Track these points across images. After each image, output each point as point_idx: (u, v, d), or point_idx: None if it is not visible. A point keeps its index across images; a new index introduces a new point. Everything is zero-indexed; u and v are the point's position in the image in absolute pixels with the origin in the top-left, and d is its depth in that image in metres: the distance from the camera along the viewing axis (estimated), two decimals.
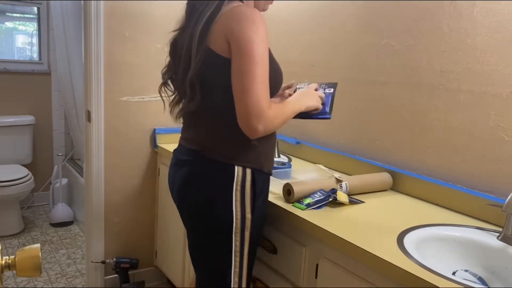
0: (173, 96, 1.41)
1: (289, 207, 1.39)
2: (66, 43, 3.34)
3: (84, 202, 2.53)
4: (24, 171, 3.17)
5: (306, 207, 1.37)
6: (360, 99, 1.84)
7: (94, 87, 2.14)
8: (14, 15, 3.61)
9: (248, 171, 1.29)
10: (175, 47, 1.37)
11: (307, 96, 1.41)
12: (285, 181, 1.47)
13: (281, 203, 1.41)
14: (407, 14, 1.64)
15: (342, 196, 1.42)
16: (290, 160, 2.06)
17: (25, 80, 3.47)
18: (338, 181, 1.52)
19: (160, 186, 2.36)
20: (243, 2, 1.28)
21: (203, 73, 1.24)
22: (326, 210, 1.38)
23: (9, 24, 3.63)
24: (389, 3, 1.70)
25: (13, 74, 3.41)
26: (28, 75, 3.48)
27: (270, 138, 1.35)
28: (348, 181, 1.54)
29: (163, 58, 2.26)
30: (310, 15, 2.09)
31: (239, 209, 1.28)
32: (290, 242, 1.40)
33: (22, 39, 3.69)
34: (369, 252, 1.08)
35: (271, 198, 1.46)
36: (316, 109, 1.42)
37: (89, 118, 2.19)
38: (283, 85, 1.47)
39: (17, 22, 3.66)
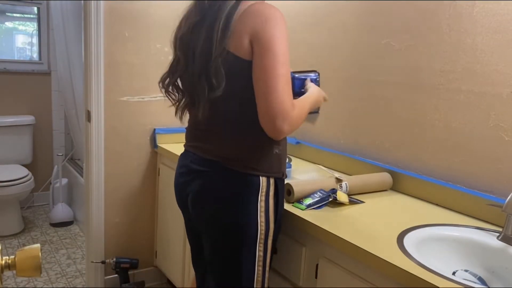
0: (181, 98, 1.35)
1: (289, 207, 1.39)
2: (66, 43, 3.34)
3: (84, 202, 2.53)
4: (24, 171, 3.17)
5: (306, 207, 1.37)
6: (360, 99, 1.84)
7: (94, 87, 2.14)
8: (14, 15, 3.61)
9: (272, 180, 1.27)
10: (186, 45, 1.28)
11: (319, 96, 1.39)
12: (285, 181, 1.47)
13: None
14: (407, 14, 1.64)
15: (342, 196, 1.42)
16: (290, 160, 2.06)
17: (25, 80, 3.47)
18: (338, 181, 1.52)
19: (160, 186, 2.36)
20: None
21: (222, 74, 1.19)
22: (326, 210, 1.38)
23: (9, 24, 3.63)
24: (389, 3, 1.70)
25: (13, 74, 3.41)
26: (28, 75, 3.48)
27: (285, 143, 1.34)
28: (348, 181, 1.54)
29: (163, 58, 2.28)
30: (310, 15, 2.09)
31: (263, 219, 1.25)
32: (290, 242, 1.40)
33: (22, 39, 3.69)
34: (369, 252, 1.08)
35: None
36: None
37: (89, 118, 2.19)
38: None
39: (17, 22, 3.66)
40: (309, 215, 1.32)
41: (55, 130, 3.66)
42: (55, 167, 3.45)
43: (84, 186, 2.38)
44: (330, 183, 1.50)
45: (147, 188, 2.39)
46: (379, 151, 1.77)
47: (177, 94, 1.36)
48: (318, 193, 1.43)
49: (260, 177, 1.24)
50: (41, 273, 0.69)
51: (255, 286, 1.30)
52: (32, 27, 3.63)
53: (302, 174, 1.77)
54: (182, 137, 2.33)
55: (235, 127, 1.25)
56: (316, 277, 1.29)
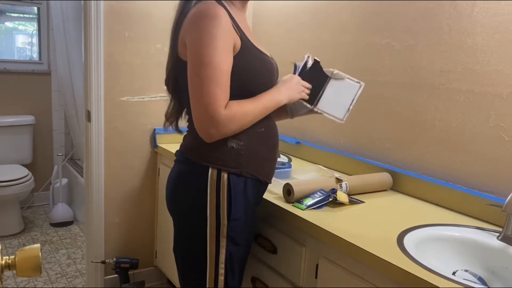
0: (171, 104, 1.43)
1: (289, 207, 1.39)
2: (66, 43, 3.34)
3: (84, 202, 2.53)
4: (24, 171, 3.17)
5: (306, 207, 1.37)
6: (360, 99, 1.84)
7: (94, 87, 2.14)
8: (14, 15, 3.61)
9: (224, 174, 1.23)
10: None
11: (287, 88, 1.32)
12: (285, 181, 1.47)
13: (281, 203, 1.41)
14: (407, 14, 1.64)
15: (342, 196, 1.42)
16: (290, 160, 2.06)
17: (25, 80, 3.47)
18: (338, 181, 1.52)
19: (160, 186, 2.36)
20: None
21: (176, 79, 1.29)
22: (326, 210, 1.38)
23: (9, 24, 3.63)
24: (389, 3, 1.70)
25: (13, 74, 3.41)
26: (28, 75, 3.48)
27: (260, 141, 1.28)
28: (348, 181, 1.54)
29: (163, 58, 2.27)
30: (310, 15, 2.09)
31: (214, 213, 1.23)
32: (290, 242, 1.40)
33: (22, 39, 3.69)
34: (369, 252, 1.08)
35: (271, 198, 1.46)
36: (303, 99, 1.37)
37: (89, 118, 2.19)
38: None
39: (17, 22, 3.66)
40: (309, 215, 1.32)
41: (55, 130, 3.66)
42: (55, 167, 3.45)
43: (84, 186, 2.38)
44: (330, 183, 1.50)
45: (147, 188, 2.39)
46: (379, 151, 1.77)
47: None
48: (318, 193, 1.43)
49: (210, 168, 1.23)
50: (41, 273, 0.69)
51: (207, 286, 1.27)
52: (32, 27, 3.63)
53: (302, 174, 1.77)
54: (182, 137, 2.34)
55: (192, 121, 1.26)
56: (316, 277, 1.29)
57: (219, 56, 1.13)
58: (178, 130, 1.42)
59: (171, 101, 1.40)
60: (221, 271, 1.27)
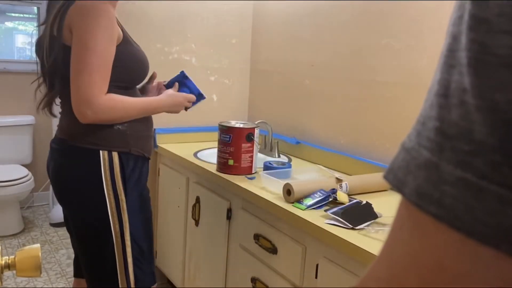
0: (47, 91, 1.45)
1: (289, 207, 1.39)
2: None
3: None
4: (24, 171, 3.17)
5: (306, 207, 1.37)
6: (360, 99, 1.84)
7: None
8: (14, 15, 3.61)
9: (115, 154, 1.34)
10: (40, 45, 1.40)
11: (172, 104, 1.48)
12: (285, 181, 1.47)
13: (281, 203, 1.41)
14: (407, 14, 1.64)
15: (342, 196, 1.42)
16: (290, 160, 2.06)
17: (25, 80, 3.47)
18: (338, 181, 1.52)
19: (160, 186, 2.35)
20: None
21: (58, 64, 1.31)
22: None
23: (9, 24, 3.63)
24: (389, 3, 1.70)
25: (13, 74, 3.41)
26: (28, 75, 3.48)
27: (141, 121, 1.41)
28: (348, 181, 1.54)
29: (163, 58, 2.28)
30: (310, 15, 2.09)
31: (111, 192, 1.33)
32: (290, 242, 1.40)
33: (22, 39, 3.69)
34: (369, 252, 1.08)
35: (271, 198, 1.46)
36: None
37: None
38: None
39: (17, 22, 3.66)
40: (309, 215, 1.32)
41: (55, 130, 3.66)
42: None
43: None
44: (330, 183, 1.50)
45: None
46: (379, 151, 1.77)
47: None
48: (318, 193, 1.43)
49: (101, 151, 1.32)
50: (41, 273, 0.69)
51: (117, 262, 1.35)
52: (32, 27, 3.63)
53: (302, 174, 1.76)
54: (182, 137, 2.34)
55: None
56: (316, 277, 1.29)
57: (103, 44, 1.23)
58: (52, 115, 1.48)
59: (46, 86, 1.44)
60: (128, 248, 1.38)
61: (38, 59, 1.42)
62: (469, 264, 0.22)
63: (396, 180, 0.25)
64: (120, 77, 1.33)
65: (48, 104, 1.44)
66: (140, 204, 1.43)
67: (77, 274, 1.63)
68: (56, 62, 1.31)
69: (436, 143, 0.23)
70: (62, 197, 1.40)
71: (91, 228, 1.36)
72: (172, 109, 1.50)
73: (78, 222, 1.39)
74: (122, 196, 1.35)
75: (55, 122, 3.82)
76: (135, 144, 1.39)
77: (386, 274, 0.26)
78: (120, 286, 1.37)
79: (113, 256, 1.35)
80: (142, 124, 1.42)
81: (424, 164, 0.23)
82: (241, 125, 1.72)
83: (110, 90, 1.29)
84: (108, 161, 1.32)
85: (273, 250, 1.45)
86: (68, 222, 1.48)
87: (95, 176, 1.32)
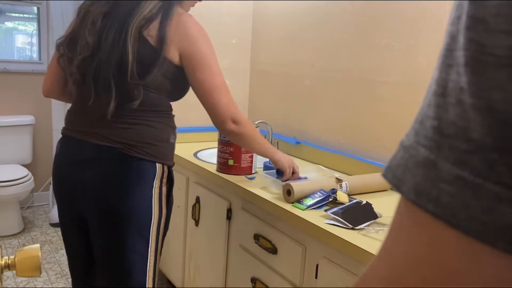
0: (71, 72, 1.32)
1: (289, 207, 1.39)
2: None
3: None
4: (24, 171, 3.17)
5: (306, 207, 1.37)
6: (360, 99, 1.84)
7: None
8: (14, 15, 3.61)
9: (166, 168, 1.38)
10: (91, 19, 1.28)
11: (284, 157, 1.54)
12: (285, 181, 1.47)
13: (281, 203, 1.41)
14: (407, 14, 1.64)
15: (342, 196, 1.42)
16: None
17: (25, 80, 3.47)
18: (338, 181, 1.52)
19: None
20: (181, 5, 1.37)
21: (157, 76, 1.27)
22: None
23: (9, 24, 3.63)
24: (389, 3, 1.70)
25: (13, 74, 3.41)
26: (28, 75, 3.48)
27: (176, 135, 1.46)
28: (348, 181, 1.54)
29: None
30: (310, 15, 2.09)
31: (157, 207, 1.36)
32: (290, 242, 1.40)
33: (22, 39, 3.69)
34: (369, 252, 1.08)
35: (271, 198, 1.46)
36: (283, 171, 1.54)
37: None
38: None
39: (17, 22, 3.66)
40: (309, 215, 1.32)
41: (55, 130, 3.65)
42: None
43: None
44: (330, 183, 1.50)
45: None
46: (379, 151, 1.77)
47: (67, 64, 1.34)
48: (318, 193, 1.43)
49: (157, 164, 1.34)
50: (41, 273, 0.69)
51: (147, 272, 1.37)
52: (32, 27, 3.63)
53: (302, 174, 1.76)
54: (182, 137, 2.33)
55: (140, 115, 1.31)
56: (316, 277, 1.29)
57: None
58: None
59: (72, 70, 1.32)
60: (158, 256, 1.42)
61: (87, 37, 1.27)
62: (466, 261, 0.22)
63: (394, 178, 0.26)
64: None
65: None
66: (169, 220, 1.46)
67: (80, 281, 1.53)
68: (155, 74, 1.26)
69: (434, 141, 0.23)
70: (114, 208, 1.30)
71: (132, 239, 1.32)
72: (284, 162, 1.53)
73: (115, 234, 1.32)
74: (164, 211, 1.39)
75: (56, 122, 3.81)
76: (173, 157, 1.44)
77: (387, 273, 0.26)
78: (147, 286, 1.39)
79: (146, 256, 1.37)
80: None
81: (422, 162, 0.23)
82: None
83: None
84: (161, 174, 1.36)
85: (273, 250, 1.45)
86: (75, 228, 1.42)
87: (149, 188, 1.33)
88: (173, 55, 1.28)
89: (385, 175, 0.26)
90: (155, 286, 1.43)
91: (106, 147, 1.28)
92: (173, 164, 1.43)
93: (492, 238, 0.21)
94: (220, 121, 1.33)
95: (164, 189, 1.38)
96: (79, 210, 1.37)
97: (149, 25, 1.25)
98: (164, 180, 1.37)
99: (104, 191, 1.29)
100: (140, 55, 1.24)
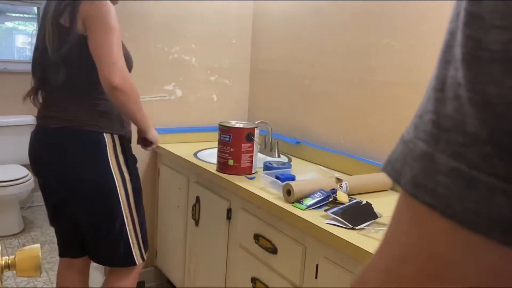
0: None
1: (289, 207, 1.39)
2: None
3: None
4: (24, 171, 3.17)
5: (306, 207, 1.37)
6: (360, 99, 1.84)
7: None
8: (14, 15, 3.61)
9: (115, 137, 1.52)
10: (40, 40, 1.52)
11: (155, 131, 1.68)
12: (285, 181, 1.47)
13: (281, 203, 1.41)
14: (407, 14, 1.64)
15: (342, 196, 1.42)
16: (290, 160, 2.06)
17: (25, 80, 3.46)
18: (338, 181, 1.52)
19: (160, 186, 2.35)
20: None
21: (73, 53, 1.43)
22: None
23: (9, 24, 3.63)
24: (389, 3, 1.70)
25: (13, 74, 3.41)
26: (28, 75, 3.47)
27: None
28: (348, 181, 1.54)
29: (163, 58, 2.28)
30: (310, 15, 2.09)
31: (116, 168, 1.52)
32: (290, 242, 1.40)
33: (22, 39, 3.69)
34: (369, 252, 1.08)
35: (271, 198, 1.46)
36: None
37: None
38: None
39: (17, 22, 3.66)
40: (309, 215, 1.32)
41: None
42: None
43: None
44: (330, 183, 1.50)
45: (147, 188, 2.38)
46: (379, 151, 1.77)
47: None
48: (318, 193, 1.43)
49: (104, 134, 1.48)
50: (41, 273, 0.69)
51: (131, 242, 1.57)
52: (32, 27, 3.63)
53: (302, 174, 1.76)
54: (182, 137, 2.34)
55: (85, 93, 1.48)
56: (316, 277, 1.29)
57: (117, 26, 1.42)
58: (36, 105, 1.63)
59: (35, 78, 1.61)
60: (135, 215, 1.59)
61: (35, 54, 1.56)
62: (462, 252, 0.22)
63: (393, 171, 0.26)
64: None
65: (35, 93, 1.60)
66: (138, 181, 1.65)
67: (65, 253, 1.73)
68: (71, 51, 1.42)
69: (432, 135, 0.24)
70: (65, 176, 1.50)
71: (105, 206, 1.51)
72: (156, 135, 1.68)
73: (86, 193, 1.50)
74: (126, 174, 1.54)
75: None
76: (127, 126, 1.58)
77: (385, 265, 0.27)
78: (132, 249, 1.59)
79: (122, 220, 1.53)
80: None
81: (420, 155, 0.24)
82: (241, 125, 1.72)
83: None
84: (112, 144, 1.50)
85: (273, 250, 1.45)
86: (59, 209, 1.61)
87: (102, 154, 1.47)
88: (82, 28, 1.41)
89: (384, 168, 0.27)
90: (144, 256, 1.64)
91: (57, 128, 1.48)
92: (125, 133, 1.56)
93: (486, 229, 0.21)
94: (107, 73, 1.38)
95: (121, 156, 1.52)
96: (50, 188, 1.62)
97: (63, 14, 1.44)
98: (118, 149, 1.52)
99: (60, 162, 1.49)
100: (58, 38, 1.43)
